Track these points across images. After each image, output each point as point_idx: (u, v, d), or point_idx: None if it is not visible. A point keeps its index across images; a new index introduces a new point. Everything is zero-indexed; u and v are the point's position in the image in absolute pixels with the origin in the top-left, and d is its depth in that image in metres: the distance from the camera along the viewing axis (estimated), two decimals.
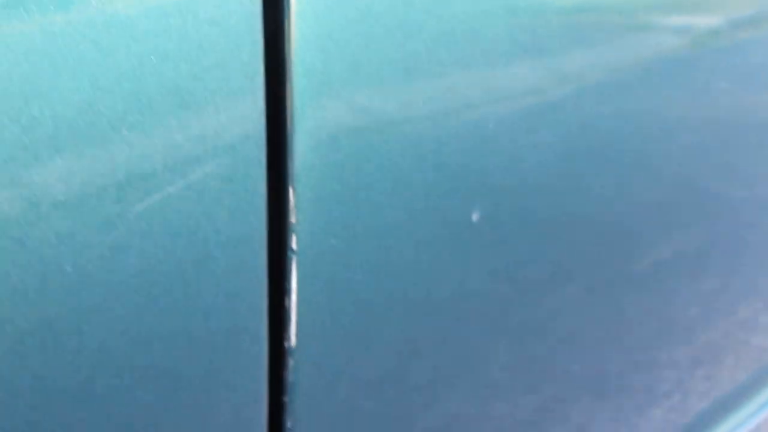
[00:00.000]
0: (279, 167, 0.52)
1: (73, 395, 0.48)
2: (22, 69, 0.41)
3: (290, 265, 0.55)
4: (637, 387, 0.98)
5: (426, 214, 0.61)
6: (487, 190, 0.65)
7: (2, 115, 0.41)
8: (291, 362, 0.57)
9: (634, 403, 0.99)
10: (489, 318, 0.72)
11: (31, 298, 0.44)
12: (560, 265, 0.78)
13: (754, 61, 0.93)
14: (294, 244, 0.54)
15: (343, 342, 0.60)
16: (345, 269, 0.57)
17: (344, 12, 0.53)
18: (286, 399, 0.59)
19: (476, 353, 0.72)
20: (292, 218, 0.53)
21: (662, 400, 1.03)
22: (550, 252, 0.76)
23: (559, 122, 0.70)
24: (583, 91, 0.71)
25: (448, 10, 0.58)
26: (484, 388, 0.76)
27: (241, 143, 0.49)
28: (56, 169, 0.43)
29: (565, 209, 0.75)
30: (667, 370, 1.02)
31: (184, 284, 0.50)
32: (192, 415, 0.54)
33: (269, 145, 0.51)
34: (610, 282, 0.86)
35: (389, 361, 0.64)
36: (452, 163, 0.61)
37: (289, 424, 0.59)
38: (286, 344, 0.57)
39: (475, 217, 0.64)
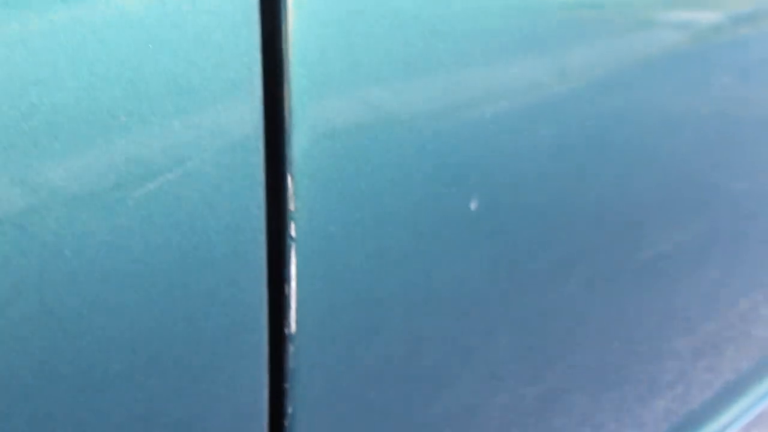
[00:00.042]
0: (277, 155, 0.52)
1: (73, 380, 0.48)
2: (21, 62, 0.42)
3: (289, 252, 0.55)
4: (640, 378, 0.98)
5: (426, 203, 0.61)
6: (488, 183, 0.65)
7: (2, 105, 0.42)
8: (291, 349, 0.58)
9: (636, 393, 0.99)
10: (490, 309, 0.72)
11: (32, 281, 0.45)
12: (563, 257, 0.78)
13: (756, 57, 0.93)
14: (293, 232, 0.54)
15: (342, 328, 0.60)
16: (344, 256, 0.57)
17: (341, 6, 0.53)
18: (286, 385, 0.59)
19: (478, 342, 0.72)
20: (291, 206, 0.54)
21: (664, 391, 1.03)
22: (552, 244, 0.76)
23: (560, 117, 0.70)
24: (584, 85, 0.71)
25: (444, 7, 0.58)
26: (485, 377, 0.76)
27: (239, 131, 0.49)
28: (55, 155, 0.44)
29: (568, 202, 0.75)
30: (670, 361, 1.02)
31: (184, 272, 0.50)
32: (193, 401, 0.54)
33: (268, 132, 0.51)
34: (612, 274, 0.86)
35: (389, 347, 0.64)
36: (453, 154, 0.61)
37: (289, 410, 0.60)
38: (286, 331, 0.57)
39: (473, 205, 0.64)
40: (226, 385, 0.55)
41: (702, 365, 1.08)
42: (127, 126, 0.45)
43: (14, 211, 0.43)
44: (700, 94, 0.86)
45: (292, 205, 0.54)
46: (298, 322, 0.57)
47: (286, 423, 0.60)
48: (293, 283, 0.56)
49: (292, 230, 0.54)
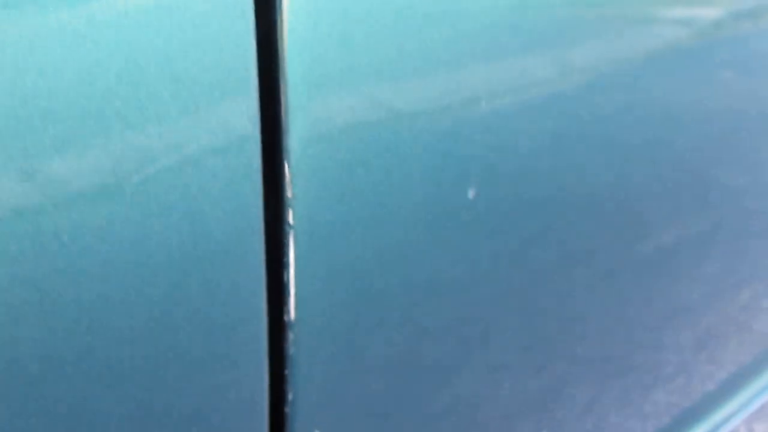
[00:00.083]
0: (274, 142, 0.52)
1: (72, 364, 0.48)
2: (18, 65, 0.42)
3: (288, 239, 0.55)
4: (642, 370, 0.98)
5: (423, 189, 0.61)
6: (491, 176, 0.66)
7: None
8: (291, 335, 0.58)
9: (638, 385, 0.99)
10: (491, 293, 0.72)
11: (28, 268, 0.45)
12: (565, 249, 0.78)
13: (757, 53, 0.93)
14: (291, 219, 0.54)
15: (342, 315, 0.60)
16: (342, 242, 0.58)
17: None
18: (287, 372, 0.59)
19: (479, 330, 0.73)
20: (289, 192, 0.54)
21: (666, 383, 1.03)
22: (556, 236, 0.76)
23: (561, 113, 0.69)
24: (585, 80, 0.71)
25: (441, 2, 0.58)
26: (487, 365, 0.76)
27: (235, 118, 0.50)
28: (52, 151, 0.44)
29: (569, 197, 0.75)
30: (671, 354, 1.02)
31: (182, 259, 0.50)
32: (193, 389, 0.54)
33: (264, 119, 0.51)
34: (614, 267, 0.86)
35: (388, 333, 0.64)
36: (451, 143, 0.61)
37: (290, 396, 0.60)
38: (285, 318, 0.57)
39: (471, 193, 0.64)
40: (226, 372, 0.55)
41: (704, 358, 1.08)
42: (121, 109, 0.46)
43: (12, 206, 0.44)
44: (702, 90, 0.86)
45: (289, 192, 0.54)
46: (297, 308, 0.57)
47: (287, 410, 0.60)
48: (292, 270, 0.56)
49: (290, 217, 0.54)
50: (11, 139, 0.43)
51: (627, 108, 0.77)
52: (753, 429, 1.58)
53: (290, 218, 0.54)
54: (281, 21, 0.51)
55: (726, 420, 1.13)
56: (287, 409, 0.61)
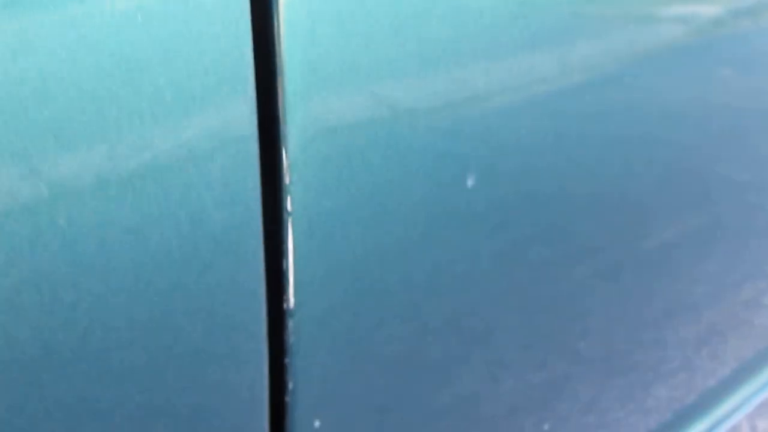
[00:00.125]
0: (272, 128, 0.52)
1: (69, 349, 0.49)
2: (18, 65, 0.43)
3: (286, 226, 0.55)
4: (644, 366, 0.98)
5: (422, 179, 0.61)
6: (492, 172, 0.66)
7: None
8: (290, 324, 0.58)
9: (640, 380, 0.99)
10: (494, 286, 0.72)
11: (28, 266, 0.45)
12: (566, 246, 0.78)
13: (757, 50, 0.93)
14: (289, 206, 0.54)
15: (341, 302, 0.60)
16: (341, 230, 0.57)
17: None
18: (287, 360, 0.59)
19: (481, 322, 0.73)
20: (287, 179, 0.54)
21: (668, 378, 1.03)
22: (557, 234, 0.76)
23: (562, 111, 0.70)
24: (586, 78, 0.71)
25: (439, 2, 0.58)
26: (489, 358, 0.76)
27: (233, 105, 0.50)
28: (53, 152, 0.44)
29: (571, 194, 0.75)
30: (673, 350, 1.02)
31: (180, 247, 0.50)
32: (193, 378, 0.54)
33: (262, 106, 0.51)
34: (616, 263, 0.86)
35: (388, 320, 0.64)
36: (449, 141, 0.62)
37: (290, 385, 0.60)
38: (284, 306, 0.57)
39: (470, 182, 0.64)
40: (226, 361, 0.55)
41: (706, 354, 1.08)
42: (118, 94, 0.46)
43: (12, 206, 0.44)
44: (703, 88, 0.86)
45: (287, 179, 0.54)
46: (296, 296, 0.57)
47: (287, 398, 0.60)
48: (290, 258, 0.56)
49: (288, 204, 0.54)
50: (11, 138, 0.43)
51: (627, 105, 0.77)
52: (755, 425, 1.58)
53: (288, 205, 0.54)
54: (278, 15, 0.51)
55: (728, 416, 1.13)
56: (287, 398, 0.60)
